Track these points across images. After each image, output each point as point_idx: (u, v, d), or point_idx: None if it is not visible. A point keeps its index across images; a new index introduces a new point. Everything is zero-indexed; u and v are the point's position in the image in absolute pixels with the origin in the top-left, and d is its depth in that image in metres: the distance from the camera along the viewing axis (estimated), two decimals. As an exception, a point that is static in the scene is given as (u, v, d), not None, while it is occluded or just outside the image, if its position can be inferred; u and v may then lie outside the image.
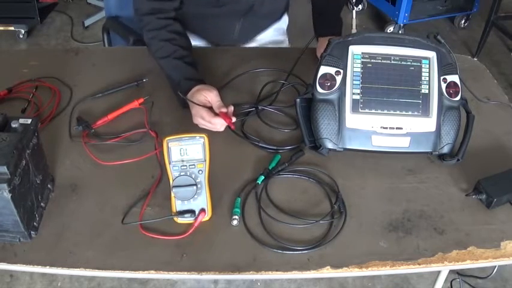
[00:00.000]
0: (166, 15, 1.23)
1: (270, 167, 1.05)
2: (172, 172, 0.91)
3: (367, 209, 0.99)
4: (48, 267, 0.87)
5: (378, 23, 3.49)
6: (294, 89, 1.28)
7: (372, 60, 1.08)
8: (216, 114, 1.10)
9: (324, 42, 1.19)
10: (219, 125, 1.10)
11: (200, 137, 0.90)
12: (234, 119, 1.10)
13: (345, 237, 0.93)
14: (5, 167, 0.78)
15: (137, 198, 0.98)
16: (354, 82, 1.07)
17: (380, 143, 1.06)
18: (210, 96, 1.11)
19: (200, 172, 0.92)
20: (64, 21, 3.45)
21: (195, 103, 1.10)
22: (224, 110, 1.09)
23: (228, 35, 1.45)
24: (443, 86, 1.07)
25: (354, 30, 1.37)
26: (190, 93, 1.13)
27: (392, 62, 1.08)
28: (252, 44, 1.53)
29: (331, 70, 1.07)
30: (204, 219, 0.94)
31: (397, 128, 1.06)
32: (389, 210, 0.99)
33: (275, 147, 1.11)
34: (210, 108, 1.11)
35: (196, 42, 1.46)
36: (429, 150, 1.07)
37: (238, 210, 0.96)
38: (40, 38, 3.27)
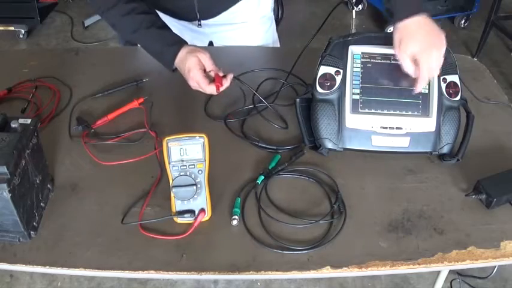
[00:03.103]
0: None
1: (270, 167, 1.05)
2: (172, 172, 0.91)
3: (367, 209, 0.99)
4: (48, 267, 0.87)
5: (378, 23, 3.49)
6: (294, 89, 1.28)
7: (372, 60, 1.08)
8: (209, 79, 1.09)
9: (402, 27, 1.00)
10: (209, 91, 1.10)
11: (200, 137, 0.90)
12: (226, 85, 1.11)
13: (345, 237, 0.93)
14: (5, 167, 0.78)
15: (137, 198, 0.98)
16: (354, 82, 1.07)
17: (380, 143, 1.06)
18: (203, 58, 1.10)
19: (200, 172, 0.92)
20: (64, 21, 3.45)
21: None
22: (221, 74, 1.10)
23: (189, 13, 1.36)
24: (443, 86, 1.07)
25: (353, 30, 1.37)
26: (180, 56, 1.11)
27: (392, 62, 1.08)
28: (223, 18, 1.41)
29: (331, 70, 1.07)
30: (203, 219, 0.94)
31: (396, 128, 1.06)
32: (389, 210, 0.99)
33: (275, 147, 1.11)
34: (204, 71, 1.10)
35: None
36: (429, 150, 1.07)
37: (237, 210, 0.96)
38: (40, 38, 3.27)
